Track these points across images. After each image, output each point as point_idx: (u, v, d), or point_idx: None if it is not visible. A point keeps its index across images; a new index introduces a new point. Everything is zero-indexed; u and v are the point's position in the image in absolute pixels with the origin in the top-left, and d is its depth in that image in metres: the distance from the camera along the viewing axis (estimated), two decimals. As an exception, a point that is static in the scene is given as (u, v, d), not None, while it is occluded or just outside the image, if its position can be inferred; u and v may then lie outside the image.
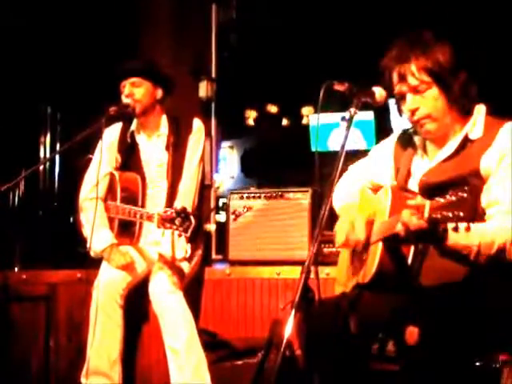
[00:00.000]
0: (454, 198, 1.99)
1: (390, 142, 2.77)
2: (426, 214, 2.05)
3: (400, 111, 2.53)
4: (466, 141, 2.44)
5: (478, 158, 2.37)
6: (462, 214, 1.96)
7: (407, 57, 2.41)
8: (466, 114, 2.47)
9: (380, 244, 2.41)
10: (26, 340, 4.28)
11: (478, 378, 2.24)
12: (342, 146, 2.35)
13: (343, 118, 2.43)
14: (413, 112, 2.45)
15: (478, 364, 2.22)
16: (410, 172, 2.60)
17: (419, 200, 2.16)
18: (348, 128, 2.41)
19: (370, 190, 2.76)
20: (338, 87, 2.46)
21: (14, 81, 5.34)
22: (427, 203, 2.06)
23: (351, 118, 2.41)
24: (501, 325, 2.24)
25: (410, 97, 2.44)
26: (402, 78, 2.43)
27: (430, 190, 2.43)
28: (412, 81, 2.41)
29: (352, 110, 2.42)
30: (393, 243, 2.34)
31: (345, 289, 2.66)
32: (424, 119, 2.45)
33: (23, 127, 5.45)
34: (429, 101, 2.42)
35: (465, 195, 1.97)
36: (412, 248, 2.38)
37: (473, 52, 2.53)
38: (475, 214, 2.00)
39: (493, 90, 2.54)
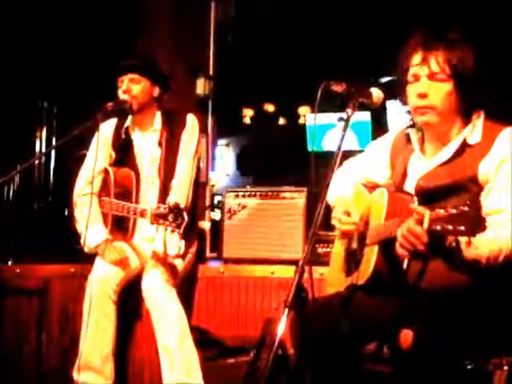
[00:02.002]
0: (454, 211, 1.98)
1: (388, 139, 2.76)
2: (426, 225, 2.05)
3: (402, 96, 2.51)
4: (464, 146, 2.43)
5: (476, 163, 2.36)
6: (463, 228, 1.95)
7: (437, 45, 2.40)
8: (466, 118, 2.47)
9: (376, 247, 2.41)
10: (18, 333, 4.27)
11: (470, 381, 2.24)
12: (339, 147, 2.35)
13: (340, 119, 2.42)
14: (421, 96, 2.42)
15: (469, 367, 2.22)
16: (406, 172, 2.60)
17: (419, 208, 2.16)
18: (345, 129, 2.40)
19: (364, 187, 2.76)
20: (335, 87, 2.45)
21: (11, 75, 5.33)
22: (427, 213, 2.05)
23: (348, 118, 2.41)
24: (494, 328, 2.25)
25: (424, 80, 2.42)
26: (424, 62, 2.41)
27: (426, 194, 2.43)
28: (434, 67, 2.40)
29: (349, 110, 2.42)
30: (390, 246, 2.34)
31: (338, 289, 2.66)
32: (428, 109, 2.42)
33: (19, 121, 5.44)
34: (441, 92, 2.41)
35: (466, 209, 1.96)
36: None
37: (492, 60, 2.53)
38: (476, 228, 1.96)
39: (493, 94, 2.52)
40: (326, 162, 2.31)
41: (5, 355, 4.20)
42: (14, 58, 5.35)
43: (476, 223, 1.95)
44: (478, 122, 2.45)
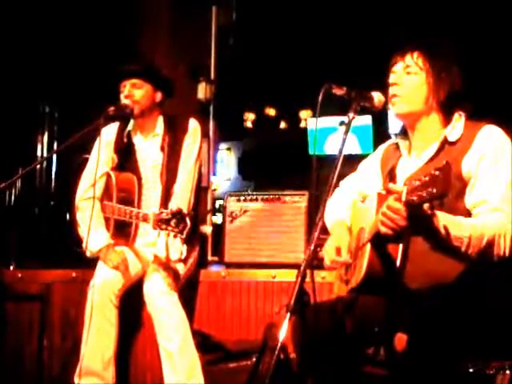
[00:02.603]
0: (427, 178, 2.03)
1: (378, 153, 2.86)
2: (404, 198, 2.11)
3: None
4: (444, 143, 2.51)
5: (459, 161, 2.43)
6: (434, 190, 2.01)
7: (413, 47, 2.58)
8: (447, 117, 2.55)
9: (368, 246, 2.42)
10: (20, 339, 4.27)
11: (471, 384, 2.24)
12: (340, 151, 2.35)
13: (342, 123, 2.44)
14: (392, 85, 2.57)
15: (471, 370, 2.22)
16: (394, 174, 2.66)
17: (397, 186, 2.24)
18: (346, 132, 2.42)
19: (361, 203, 2.78)
20: (337, 91, 2.47)
21: (13, 79, 5.33)
22: (404, 188, 2.12)
23: (349, 122, 2.42)
24: (491, 330, 2.25)
25: (398, 73, 2.57)
26: (401, 58, 2.58)
27: None
28: (408, 60, 2.56)
29: (350, 114, 2.43)
30: (381, 241, 2.36)
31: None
32: (396, 97, 2.55)
33: (21, 126, 5.44)
34: (412, 83, 2.54)
35: (437, 173, 2.01)
36: (400, 249, 2.39)
37: (472, 62, 2.63)
38: (448, 188, 2.02)
39: (474, 93, 2.63)
40: (329, 165, 2.32)
41: (6, 360, 4.20)
42: (15, 62, 5.35)
43: (447, 184, 2.01)
44: (459, 120, 2.54)
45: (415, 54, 2.55)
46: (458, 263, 2.33)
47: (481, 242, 2.28)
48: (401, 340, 2.28)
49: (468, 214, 2.40)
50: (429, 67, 2.52)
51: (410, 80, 2.54)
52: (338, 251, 2.64)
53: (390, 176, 2.68)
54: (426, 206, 2.15)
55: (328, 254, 2.70)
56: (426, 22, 7.45)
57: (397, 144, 2.72)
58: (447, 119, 2.56)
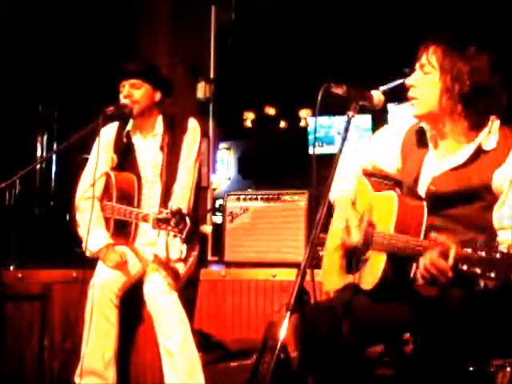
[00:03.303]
0: (484, 255, 1.92)
1: (400, 130, 2.74)
2: (451, 261, 2.04)
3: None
4: (479, 151, 2.41)
5: (490, 172, 2.35)
6: (493, 275, 1.90)
7: (430, 44, 2.49)
8: (478, 120, 2.44)
9: (384, 255, 2.40)
10: (20, 339, 4.26)
11: (472, 382, 2.24)
12: (340, 150, 2.35)
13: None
14: (409, 87, 2.51)
15: (471, 369, 2.22)
16: (419, 174, 2.58)
17: (443, 239, 2.14)
18: (346, 131, 2.40)
19: (368, 181, 2.74)
20: (336, 90, 2.45)
21: (11, 80, 5.33)
22: (453, 249, 2.04)
23: (349, 120, 2.41)
24: (493, 331, 2.24)
25: (415, 73, 2.51)
26: (420, 55, 2.51)
27: (437, 199, 2.43)
28: (423, 59, 2.49)
29: (350, 113, 2.41)
30: (400, 259, 2.34)
31: (335, 286, 2.66)
32: (414, 100, 2.50)
33: (20, 126, 5.44)
34: (426, 83, 2.47)
35: (498, 256, 1.91)
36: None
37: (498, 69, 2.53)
38: (509, 276, 1.90)
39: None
40: (328, 164, 2.31)
41: (7, 360, 4.19)
42: (14, 63, 5.35)
43: (508, 270, 1.89)
44: (494, 127, 2.44)
45: (430, 51, 2.46)
46: None
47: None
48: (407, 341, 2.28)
49: (491, 226, 2.32)
50: (442, 65, 2.43)
51: (424, 80, 2.47)
52: (348, 232, 2.62)
53: (415, 174, 2.58)
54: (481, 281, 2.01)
55: (335, 234, 2.67)
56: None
57: (422, 130, 2.61)
58: (475, 121, 2.44)
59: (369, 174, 2.78)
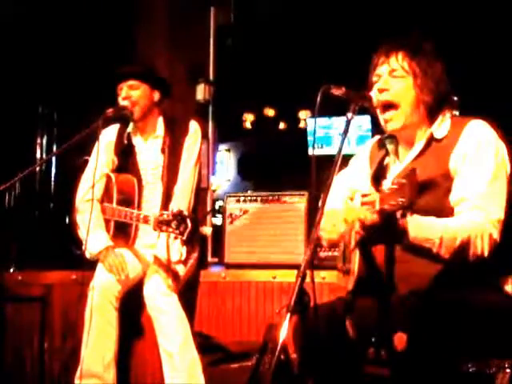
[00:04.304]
0: (395, 186, 2.05)
1: (366, 148, 2.83)
2: (377, 207, 2.12)
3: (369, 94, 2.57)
4: (431, 140, 2.49)
5: (446, 159, 2.42)
6: (402, 199, 2.02)
7: (397, 46, 2.52)
8: (433, 116, 2.53)
9: (357, 250, 2.43)
10: (20, 341, 4.27)
11: (471, 383, 2.24)
12: (339, 150, 2.35)
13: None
14: (381, 91, 2.51)
15: (471, 370, 2.22)
16: (383, 174, 2.65)
17: (372, 196, 2.22)
18: (345, 132, 2.42)
19: (351, 201, 2.77)
20: (335, 91, 2.46)
21: (11, 81, 5.33)
22: (377, 196, 2.13)
23: (348, 122, 2.42)
24: (494, 330, 2.25)
25: (385, 77, 2.52)
26: (385, 61, 2.53)
27: None
28: (393, 63, 2.51)
29: (349, 114, 2.42)
30: (364, 245, 2.37)
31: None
32: (391, 110, 2.50)
33: (19, 128, 5.44)
34: (400, 87, 2.50)
35: (403, 181, 2.02)
36: (386, 254, 2.39)
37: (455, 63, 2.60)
38: (415, 196, 2.03)
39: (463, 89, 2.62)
40: (327, 165, 2.32)
41: (7, 362, 4.19)
42: (13, 65, 5.35)
43: (413, 192, 2.02)
44: (446, 118, 2.52)
45: (400, 56, 2.50)
46: (436, 265, 2.33)
47: (454, 243, 2.26)
48: (401, 339, 2.28)
49: (452, 210, 2.38)
50: (414, 69, 2.48)
51: (398, 85, 2.50)
52: (334, 226, 2.65)
53: (378, 175, 2.66)
54: (398, 213, 2.15)
55: (325, 225, 2.70)
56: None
57: (383, 141, 2.68)
58: (432, 116, 2.53)
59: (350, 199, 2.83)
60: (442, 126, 2.50)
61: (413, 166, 2.06)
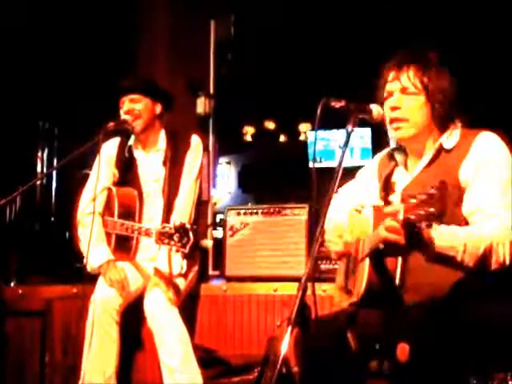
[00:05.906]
0: (424, 197, 2.03)
1: (374, 162, 2.84)
2: (401, 217, 2.11)
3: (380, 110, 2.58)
4: (440, 150, 2.51)
5: (456, 169, 2.43)
6: (432, 209, 2.00)
7: (408, 63, 2.53)
8: (443, 127, 2.54)
9: (367, 260, 2.41)
10: (21, 355, 4.26)
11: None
12: (340, 163, 2.36)
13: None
14: (393, 109, 2.52)
15: (474, 382, 2.21)
16: (391, 187, 2.65)
17: (395, 205, 2.24)
18: (346, 144, 2.43)
19: (356, 211, 2.77)
20: (335, 104, 2.47)
21: (12, 96, 5.35)
22: (401, 206, 2.11)
23: (349, 134, 2.42)
24: (488, 341, 2.24)
25: (396, 95, 2.53)
26: (396, 77, 2.53)
27: None
28: (405, 81, 2.51)
29: (349, 127, 2.43)
30: (379, 256, 2.36)
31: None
32: (402, 122, 2.52)
33: (20, 142, 5.45)
34: (413, 105, 2.51)
35: (432, 191, 2.01)
36: (399, 264, 2.39)
37: (467, 80, 2.60)
38: (446, 207, 2.02)
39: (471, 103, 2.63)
40: (327, 177, 2.32)
41: (8, 377, 4.18)
42: (14, 79, 5.37)
43: (444, 203, 2.01)
44: (455, 129, 2.54)
45: (411, 73, 2.50)
46: (455, 274, 2.33)
47: (477, 250, 2.27)
48: (403, 350, 2.28)
49: (466, 222, 2.39)
50: (426, 86, 2.49)
51: (410, 102, 2.51)
52: (340, 237, 2.68)
53: (386, 187, 2.67)
54: (423, 223, 2.14)
55: (330, 236, 2.73)
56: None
57: (392, 153, 2.70)
58: (444, 129, 2.54)
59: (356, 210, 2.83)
60: (452, 136, 2.52)
61: (443, 180, 2.03)
